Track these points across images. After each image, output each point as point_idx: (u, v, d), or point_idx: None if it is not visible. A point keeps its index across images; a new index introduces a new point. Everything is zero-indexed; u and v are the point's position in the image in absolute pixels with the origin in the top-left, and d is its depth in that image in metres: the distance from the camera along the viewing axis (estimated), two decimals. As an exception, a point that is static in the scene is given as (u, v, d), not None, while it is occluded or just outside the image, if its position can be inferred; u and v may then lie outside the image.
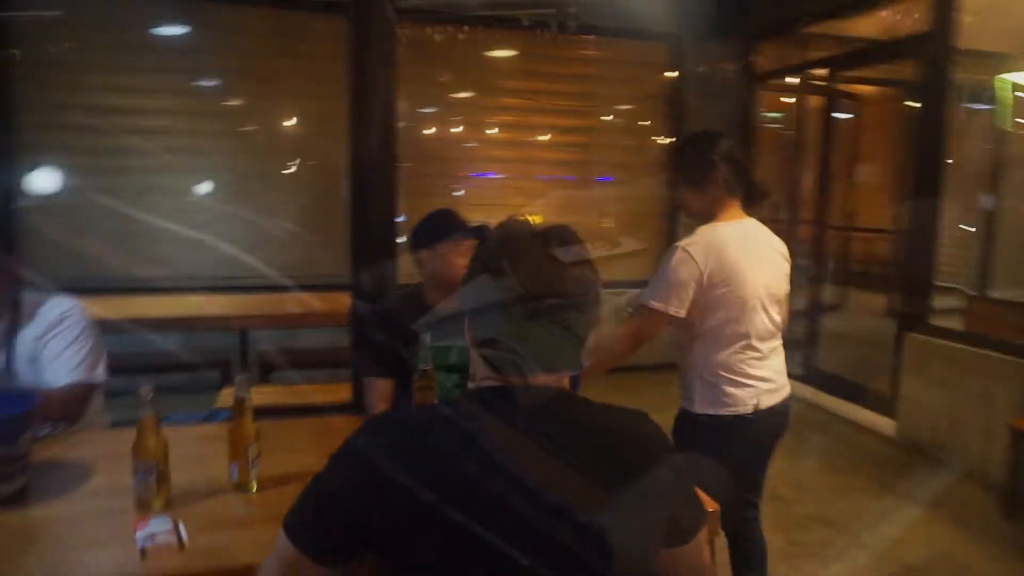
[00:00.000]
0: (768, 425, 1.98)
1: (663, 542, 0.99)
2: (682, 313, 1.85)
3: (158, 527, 1.19)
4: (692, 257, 1.84)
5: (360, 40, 2.58)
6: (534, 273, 0.93)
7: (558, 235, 0.97)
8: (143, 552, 1.15)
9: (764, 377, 1.94)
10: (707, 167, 1.92)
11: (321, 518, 0.91)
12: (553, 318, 0.93)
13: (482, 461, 0.86)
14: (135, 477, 1.30)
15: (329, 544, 0.91)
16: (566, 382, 1.01)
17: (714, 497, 1.74)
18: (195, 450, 1.60)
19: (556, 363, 0.96)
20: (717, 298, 1.85)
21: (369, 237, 2.46)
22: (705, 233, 1.90)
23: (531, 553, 0.85)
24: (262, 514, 1.32)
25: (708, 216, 1.94)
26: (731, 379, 1.90)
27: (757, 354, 1.93)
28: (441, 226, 1.95)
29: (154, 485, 1.30)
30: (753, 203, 1.99)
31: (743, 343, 1.91)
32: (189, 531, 1.23)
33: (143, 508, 1.30)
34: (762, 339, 1.93)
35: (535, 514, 0.86)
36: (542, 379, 0.95)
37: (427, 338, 1.69)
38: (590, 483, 0.89)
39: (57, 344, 1.78)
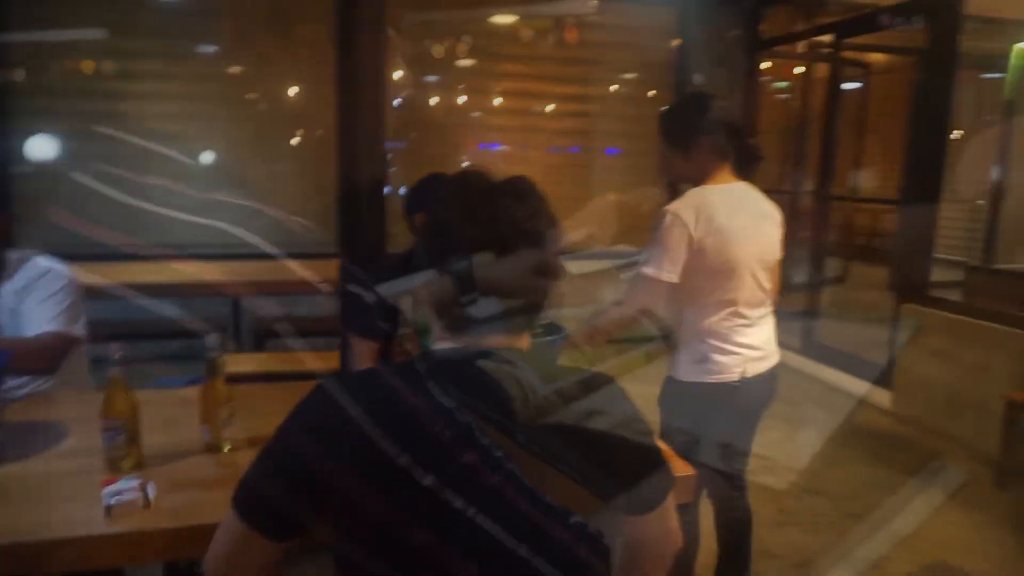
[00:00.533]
0: (754, 393, 1.96)
1: (627, 508, 0.97)
2: (675, 278, 1.81)
3: (125, 486, 1.19)
4: (682, 219, 1.79)
5: (347, 6, 2.55)
6: (489, 228, 0.91)
7: (515, 187, 0.94)
8: (108, 509, 1.15)
9: (751, 344, 1.91)
10: (695, 130, 1.87)
11: (269, 492, 0.87)
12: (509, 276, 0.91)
13: (428, 425, 0.82)
14: (104, 437, 1.30)
15: (279, 519, 0.87)
16: (524, 343, 0.98)
17: (697, 464, 1.73)
18: (170, 412, 1.59)
19: (512, 323, 0.94)
20: (705, 262, 1.81)
21: (357, 205, 2.45)
22: (694, 195, 1.85)
23: (485, 518, 0.82)
24: (232, 475, 1.31)
25: (696, 181, 1.90)
26: (717, 346, 1.88)
27: (745, 321, 1.90)
28: (432, 190, 1.92)
29: (124, 445, 1.30)
30: (746, 167, 1.95)
31: (730, 309, 1.88)
32: (158, 490, 1.23)
33: (113, 468, 1.30)
34: (750, 306, 1.90)
35: (488, 480, 0.82)
36: (498, 340, 0.93)
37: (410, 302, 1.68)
38: (547, 446, 0.87)
39: (37, 296, 1.78)
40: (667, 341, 1.65)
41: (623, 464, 0.92)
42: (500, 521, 0.81)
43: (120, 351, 1.30)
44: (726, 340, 1.88)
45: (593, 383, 0.95)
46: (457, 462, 0.81)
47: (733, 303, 1.87)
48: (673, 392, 1.96)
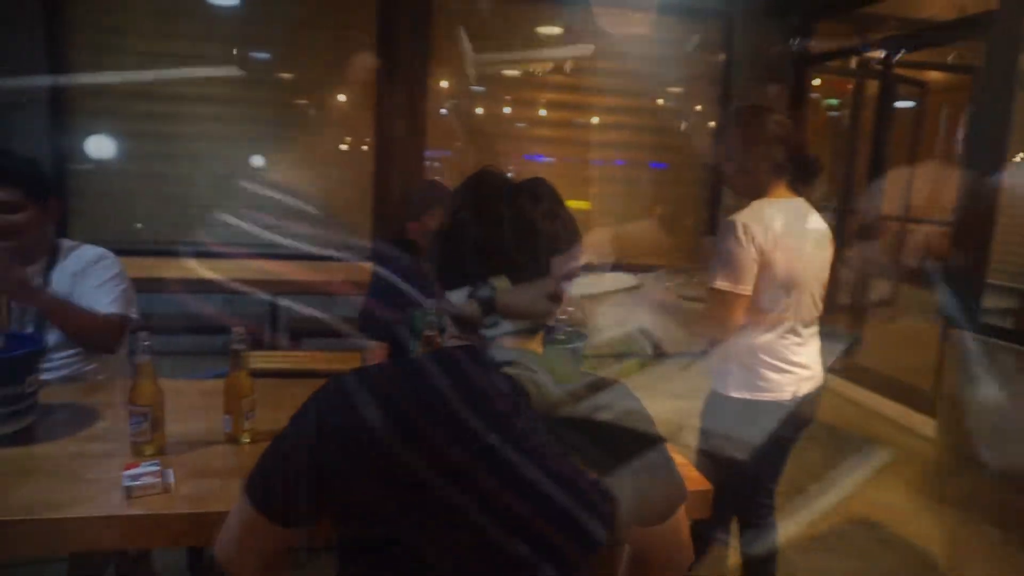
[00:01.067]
0: (800, 413, 1.91)
1: (636, 519, 0.96)
2: (749, 290, 1.75)
3: (145, 470, 1.23)
4: (751, 230, 1.74)
5: (389, 15, 2.59)
6: (502, 228, 0.91)
7: (531, 188, 0.94)
8: (127, 492, 1.19)
9: (804, 364, 1.86)
10: (752, 144, 1.82)
11: (280, 478, 0.89)
12: (521, 277, 0.91)
13: (437, 420, 0.84)
14: (130, 422, 1.34)
15: (288, 505, 0.90)
16: (537, 344, 0.98)
17: (732, 481, 1.70)
18: (196, 401, 1.64)
19: (524, 324, 0.94)
20: (769, 277, 1.76)
21: (390, 212, 2.49)
22: (761, 208, 1.80)
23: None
24: (249, 466, 1.33)
25: (755, 195, 1.85)
26: (772, 363, 1.83)
27: (799, 339, 1.86)
28: (425, 197, 1.93)
29: (148, 431, 1.34)
30: (804, 182, 1.89)
31: (787, 327, 1.83)
32: (177, 477, 1.27)
33: (136, 452, 1.34)
34: (805, 324, 1.86)
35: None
36: (508, 341, 0.93)
37: (431, 304, 1.69)
38: (552, 450, 0.87)
39: (94, 280, 1.85)
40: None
41: (625, 448, 0.93)
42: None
43: (148, 339, 1.34)
44: (781, 358, 1.83)
45: (601, 383, 0.96)
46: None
47: (790, 320, 1.83)
48: (720, 408, 1.90)
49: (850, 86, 5.61)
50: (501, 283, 0.90)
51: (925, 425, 3.94)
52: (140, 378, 1.34)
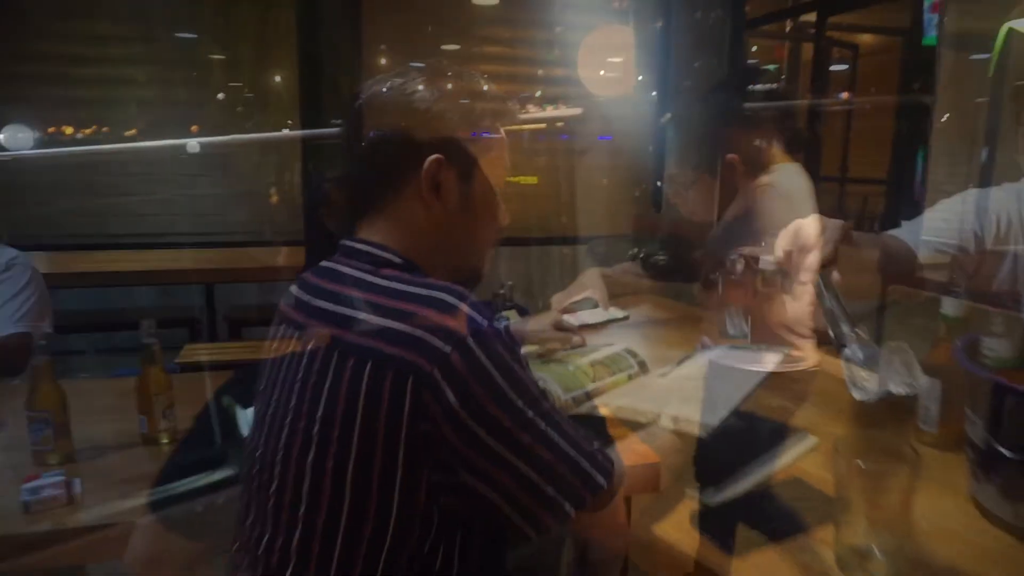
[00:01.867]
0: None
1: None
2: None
3: (47, 481, 1.12)
4: (791, 199, 1.66)
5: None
6: None
7: None
8: (26, 507, 1.08)
9: (815, 329, 1.85)
10: (749, 107, 1.74)
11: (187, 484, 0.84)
12: None
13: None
14: (30, 429, 1.23)
15: (192, 511, 0.84)
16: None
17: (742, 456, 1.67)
18: (109, 403, 1.53)
19: None
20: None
21: (320, 193, 2.38)
22: (788, 172, 1.73)
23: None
24: (168, 468, 1.25)
25: (755, 163, 1.76)
26: (807, 334, 1.79)
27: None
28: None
29: (51, 437, 1.23)
30: (795, 147, 1.83)
31: (812, 294, 1.81)
32: (86, 486, 1.17)
33: (39, 462, 1.23)
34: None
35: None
36: None
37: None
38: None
39: (1, 293, 1.72)
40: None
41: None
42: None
43: (44, 339, 1.23)
44: (810, 328, 1.80)
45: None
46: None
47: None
48: (757, 387, 1.84)
49: (777, 48, 5.68)
50: None
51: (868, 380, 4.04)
52: (38, 381, 1.23)
